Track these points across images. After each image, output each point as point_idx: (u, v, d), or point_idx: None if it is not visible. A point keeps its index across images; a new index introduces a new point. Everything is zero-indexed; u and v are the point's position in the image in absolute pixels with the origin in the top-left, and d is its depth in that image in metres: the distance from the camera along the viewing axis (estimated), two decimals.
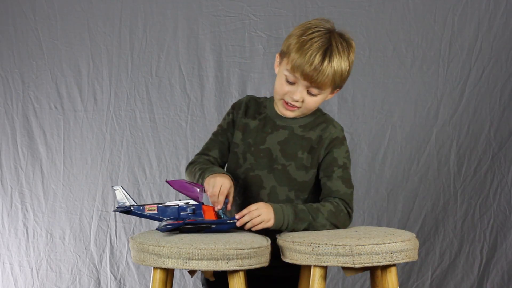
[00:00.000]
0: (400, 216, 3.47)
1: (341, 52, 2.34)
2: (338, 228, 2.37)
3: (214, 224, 2.29)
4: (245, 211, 2.30)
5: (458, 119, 3.47)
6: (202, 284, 2.52)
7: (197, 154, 2.50)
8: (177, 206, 2.31)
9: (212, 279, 2.32)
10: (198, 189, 2.28)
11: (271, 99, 2.47)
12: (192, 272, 2.29)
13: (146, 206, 2.33)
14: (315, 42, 2.32)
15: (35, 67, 3.50)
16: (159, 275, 2.23)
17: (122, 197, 2.34)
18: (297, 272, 2.36)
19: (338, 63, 2.34)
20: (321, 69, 2.31)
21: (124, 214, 3.49)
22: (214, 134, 2.50)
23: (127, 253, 3.48)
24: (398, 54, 3.46)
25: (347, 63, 2.36)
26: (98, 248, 3.49)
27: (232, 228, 2.32)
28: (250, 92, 3.46)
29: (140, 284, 3.47)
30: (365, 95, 3.47)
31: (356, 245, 2.18)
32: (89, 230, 3.50)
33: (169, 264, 2.17)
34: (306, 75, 2.32)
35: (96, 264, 3.49)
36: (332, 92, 2.42)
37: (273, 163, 2.41)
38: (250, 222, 2.29)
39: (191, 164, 2.47)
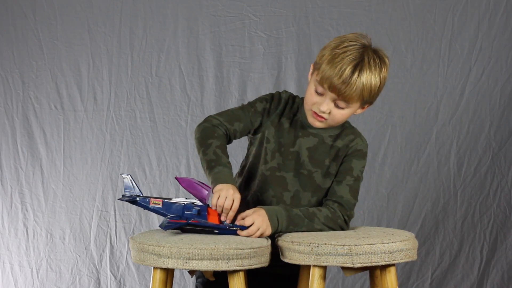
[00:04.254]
0: (400, 216, 3.47)
1: (373, 67, 2.33)
2: (328, 227, 2.37)
3: (217, 229, 2.29)
4: (244, 214, 2.29)
5: (458, 119, 3.47)
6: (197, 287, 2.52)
7: (218, 117, 2.42)
8: (183, 204, 2.31)
9: (212, 279, 2.32)
10: (206, 192, 2.28)
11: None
12: (192, 272, 2.29)
13: (152, 199, 2.33)
14: (347, 56, 2.32)
15: (35, 67, 3.50)
16: (159, 275, 2.23)
17: (130, 186, 2.34)
18: (297, 269, 2.37)
19: (368, 78, 2.32)
20: (350, 82, 2.30)
21: (124, 213, 3.51)
22: (243, 108, 2.45)
23: (127, 253, 3.48)
24: (398, 54, 3.46)
25: (378, 79, 2.34)
26: (98, 248, 3.49)
27: (235, 235, 2.32)
28: (250, 92, 3.46)
29: (140, 284, 3.47)
30: None
31: (355, 245, 2.19)
32: (89, 230, 3.50)
33: (169, 264, 2.17)
34: (334, 87, 2.31)
35: (96, 264, 3.49)
36: (362, 107, 2.41)
37: (299, 167, 2.41)
38: (254, 225, 2.28)
39: (207, 129, 2.40)
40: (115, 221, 3.49)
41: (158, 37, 3.49)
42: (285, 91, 2.50)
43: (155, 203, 2.33)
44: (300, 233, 2.32)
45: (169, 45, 3.49)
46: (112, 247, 3.49)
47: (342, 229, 2.38)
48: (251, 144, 2.49)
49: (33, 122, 3.51)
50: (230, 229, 2.29)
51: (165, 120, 3.51)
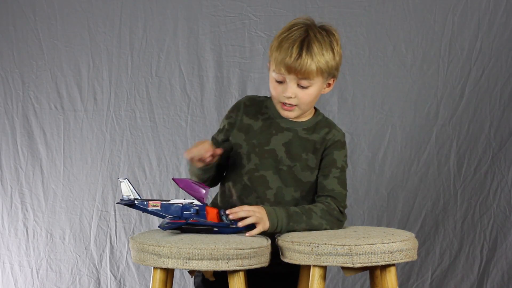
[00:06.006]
0: (400, 216, 3.47)
1: (320, 40, 2.36)
2: (335, 224, 2.39)
3: (216, 227, 2.30)
4: (237, 208, 2.31)
5: (458, 119, 3.47)
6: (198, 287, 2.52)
7: None
8: (181, 205, 2.31)
9: (212, 279, 2.32)
10: (204, 191, 2.29)
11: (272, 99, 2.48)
12: (192, 272, 2.29)
13: (150, 202, 2.34)
14: (292, 36, 2.36)
15: (35, 67, 3.50)
16: (159, 275, 2.23)
17: (127, 190, 2.35)
18: (297, 267, 2.37)
19: (319, 50, 2.35)
20: (302, 57, 2.33)
21: (124, 213, 3.51)
22: (217, 132, 2.51)
23: (127, 253, 3.49)
24: (398, 54, 3.46)
25: (329, 49, 2.37)
26: (98, 248, 3.49)
27: (234, 232, 2.32)
28: (250, 92, 3.46)
29: (140, 284, 3.48)
30: (365, 95, 3.47)
31: (355, 245, 2.19)
32: (89, 230, 3.50)
33: (169, 264, 2.17)
34: (289, 67, 2.34)
35: (96, 264, 3.49)
36: (326, 83, 2.42)
37: (278, 164, 2.42)
38: (254, 217, 2.29)
39: None
40: (115, 221, 3.49)
41: (158, 37, 3.49)
42: (245, 96, 2.53)
43: (154, 206, 2.34)
44: (300, 233, 2.33)
45: (169, 45, 3.49)
46: (112, 247, 3.49)
47: (339, 220, 2.39)
48: (227, 158, 2.51)
49: (33, 122, 3.51)
50: (229, 227, 2.30)
51: (165, 120, 3.51)
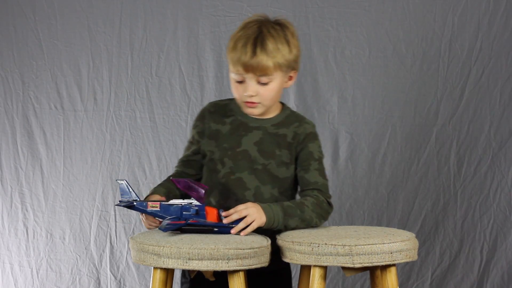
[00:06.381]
0: (400, 216, 3.47)
1: (274, 34, 2.37)
2: (324, 217, 2.40)
3: (216, 227, 2.30)
4: (232, 210, 2.31)
5: (458, 119, 3.47)
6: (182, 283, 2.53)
7: (176, 166, 2.54)
8: (180, 205, 2.31)
9: (212, 279, 2.32)
10: (203, 191, 2.29)
11: (236, 101, 2.49)
12: (192, 272, 2.29)
13: (149, 203, 2.34)
14: (245, 34, 2.37)
15: (35, 67, 3.50)
16: (159, 275, 2.23)
17: (126, 192, 2.35)
18: (287, 264, 2.38)
19: (274, 45, 2.36)
20: (257, 53, 2.34)
21: (124, 213, 3.51)
22: (187, 146, 2.53)
23: (127, 253, 3.48)
24: (398, 54, 3.46)
25: (284, 42, 2.38)
26: (98, 248, 3.49)
27: None
28: None
29: (140, 284, 3.47)
30: (365, 95, 3.47)
31: (356, 245, 2.19)
32: (89, 230, 3.50)
33: (169, 264, 2.17)
34: (246, 66, 2.34)
35: (96, 264, 3.49)
36: (287, 76, 2.43)
37: (252, 164, 2.42)
38: (243, 221, 2.30)
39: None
40: (115, 221, 3.49)
41: (158, 37, 3.49)
42: (208, 103, 2.53)
43: (153, 206, 2.34)
44: (300, 233, 2.33)
45: (169, 45, 3.49)
46: (112, 247, 3.49)
47: (328, 212, 2.42)
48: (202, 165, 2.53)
49: (33, 122, 3.51)
50: (229, 227, 2.30)
51: (165, 120, 3.51)
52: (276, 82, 2.39)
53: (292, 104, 3.45)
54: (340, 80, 3.46)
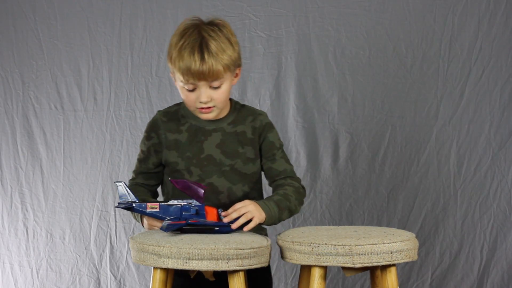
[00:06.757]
0: (400, 216, 3.47)
1: (215, 36, 2.37)
2: (302, 203, 2.45)
3: (217, 226, 2.30)
4: (230, 210, 2.31)
5: (458, 119, 3.47)
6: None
7: (129, 180, 2.54)
8: (180, 205, 2.31)
9: (212, 279, 2.32)
10: (202, 190, 2.29)
11: (185, 105, 2.49)
12: (192, 272, 2.29)
13: (148, 204, 2.33)
14: (188, 43, 2.36)
15: (35, 67, 3.50)
16: (159, 275, 2.23)
17: (124, 193, 2.34)
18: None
19: (219, 47, 2.36)
20: (206, 60, 2.34)
21: (124, 213, 3.51)
22: (139, 160, 2.52)
23: (127, 253, 3.48)
24: (398, 54, 3.46)
25: (225, 41, 2.39)
26: (98, 248, 3.49)
27: (234, 231, 2.32)
28: (250, 92, 3.46)
29: (140, 284, 3.47)
30: (365, 95, 3.47)
31: (356, 245, 2.19)
32: (89, 230, 3.50)
33: (169, 264, 2.18)
34: (197, 74, 2.35)
35: (96, 264, 3.49)
36: (234, 75, 2.44)
37: (220, 166, 2.43)
38: (244, 216, 2.30)
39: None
40: (115, 221, 3.49)
41: (158, 37, 3.49)
42: (157, 112, 2.53)
43: (152, 207, 2.34)
44: (300, 232, 2.33)
45: None
46: (112, 247, 3.49)
47: (304, 196, 2.47)
48: (163, 174, 2.52)
49: (33, 122, 3.51)
50: (230, 226, 2.30)
51: None
52: (227, 83, 2.40)
53: (292, 104, 3.45)
54: (340, 80, 3.46)
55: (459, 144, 3.47)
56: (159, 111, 2.53)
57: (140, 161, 2.51)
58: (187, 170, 2.44)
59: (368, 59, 3.46)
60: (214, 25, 2.41)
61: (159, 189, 2.58)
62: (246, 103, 3.43)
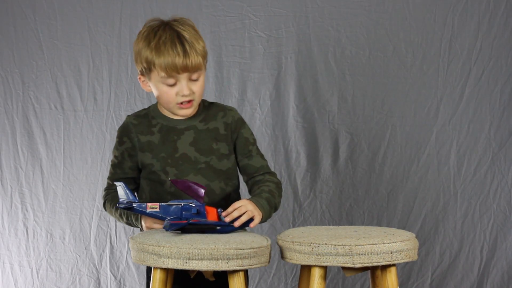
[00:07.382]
0: (400, 216, 3.47)
1: (186, 29, 2.41)
2: (281, 197, 2.47)
3: (218, 226, 2.30)
4: (230, 209, 2.32)
5: (458, 119, 3.47)
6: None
7: (106, 189, 2.54)
8: (180, 205, 2.31)
9: (212, 279, 2.32)
10: (203, 190, 2.29)
11: (154, 107, 2.49)
12: (192, 272, 2.29)
13: (148, 204, 2.33)
14: (164, 38, 2.39)
15: (35, 67, 3.50)
16: (159, 275, 2.23)
17: (123, 194, 2.35)
18: None
19: (193, 39, 2.40)
20: (187, 52, 2.37)
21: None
22: (113, 166, 2.52)
23: (127, 253, 3.49)
24: (398, 54, 3.46)
25: (196, 34, 2.43)
26: (98, 248, 3.49)
27: (235, 230, 2.32)
28: (250, 92, 3.46)
29: (140, 284, 3.48)
30: (365, 95, 3.47)
31: (356, 245, 2.19)
32: (89, 230, 3.50)
33: (169, 264, 2.18)
34: (182, 67, 2.37)
35: (96, 264, 3.49)
36: (204, 67, 2.47)
37: (195, 164, 2.44)
38: (246, 214, 2.31)
39: (107, 201, 2.52)
40: (115, 221, 3.49)
41: None
42: (127, 116, 2.54)
43: (152, 208, 2.34)
44: (300, 232, 2.33)
45: None
46: (112, 247, 3.49)
47: (282, 190, 2.48)
48: (139, 179, 2.52)
49: (33, 122, 3.51)
50: (230, 225, 2.30)
51: None
52: (203, 75, 2.45)
53: (292, 104, 3.45)
54: (340, 80, 3.46)
55: (459, 144, 3.47)
56: (128, 115, 2.55)
57: (115, 167, 2.51)
58: (163, 171, 2.44)
59: (368, 59, 3.46)
60: (178, 21, 2.45)
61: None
62: (246, 103, 3.43)
